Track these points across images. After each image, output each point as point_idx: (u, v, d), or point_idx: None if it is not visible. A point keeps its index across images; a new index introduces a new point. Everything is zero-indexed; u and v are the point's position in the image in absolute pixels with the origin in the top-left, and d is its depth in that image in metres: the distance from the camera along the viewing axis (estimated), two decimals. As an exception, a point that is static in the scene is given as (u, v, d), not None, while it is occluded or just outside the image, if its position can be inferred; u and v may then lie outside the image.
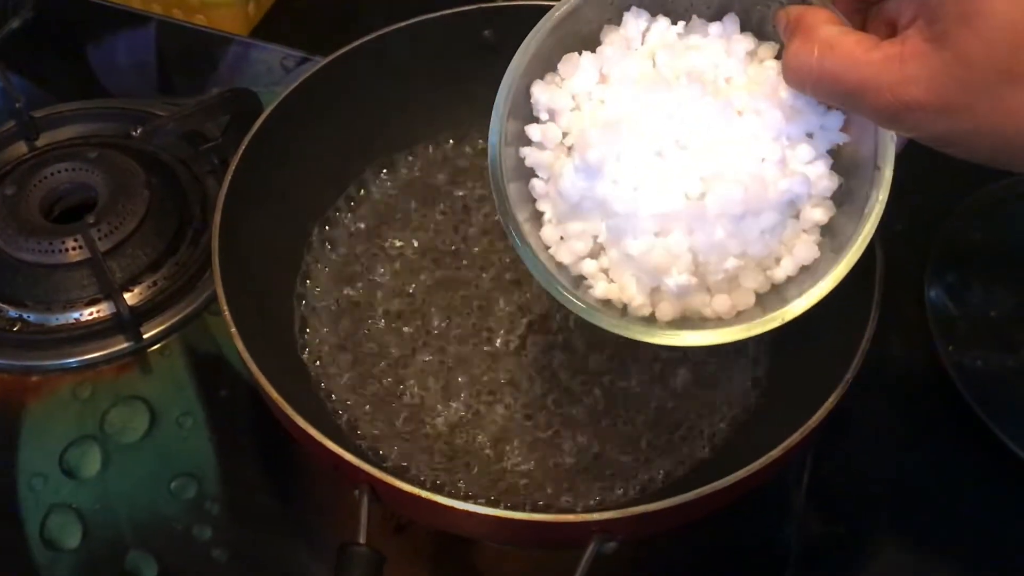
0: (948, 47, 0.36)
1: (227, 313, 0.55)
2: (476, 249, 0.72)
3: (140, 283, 0.75)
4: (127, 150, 0.81)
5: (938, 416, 0.69)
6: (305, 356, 0.66)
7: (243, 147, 0.63)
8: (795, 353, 0.63)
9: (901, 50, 0.38)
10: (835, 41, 0.40)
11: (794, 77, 0.42)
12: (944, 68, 0.37)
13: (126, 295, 0.73)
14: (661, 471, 0.62)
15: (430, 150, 0.77)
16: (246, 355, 0.53)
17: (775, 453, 0.50)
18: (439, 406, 0.65)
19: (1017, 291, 0.72)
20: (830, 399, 0.53)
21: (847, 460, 0.67)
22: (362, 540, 0.48)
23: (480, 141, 0.77)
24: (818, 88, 0.41)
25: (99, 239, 0.74)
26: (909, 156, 0.68)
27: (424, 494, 0.48)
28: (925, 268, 0.73)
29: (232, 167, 0.62)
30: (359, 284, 0.70)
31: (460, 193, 0.75)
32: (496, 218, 0.72)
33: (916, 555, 0.64)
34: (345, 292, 0.70)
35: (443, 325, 0.68)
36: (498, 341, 0.67)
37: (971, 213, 0.76)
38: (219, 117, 0.81)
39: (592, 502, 0.59)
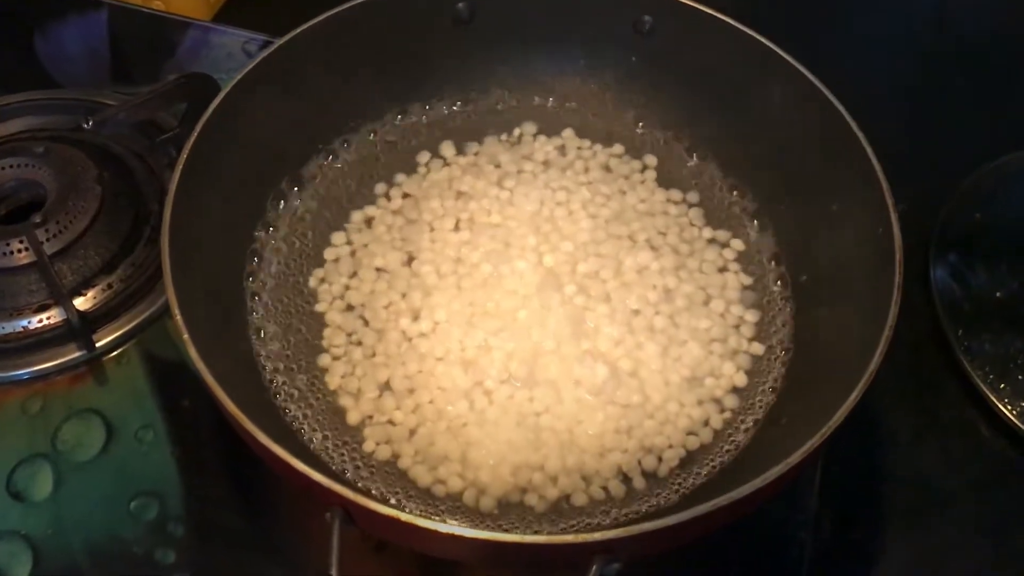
0: None
1: (179, 318, 0.50)
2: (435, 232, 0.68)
3: (93, 286, 0.70)
4: (77, 144, 0.76)
5: (951, 404, 0.66)
6: (267, 365, 0.61)
7: (195, 135, 0.59)
8: (811, 345, 0.60)
9: None
10: None
11: None
12: None
13: (78, 300, 0.69)
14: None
15: (396, 123, 0.74)
16: (201, 364, 0.48)
17: (794, 459, 0.46)
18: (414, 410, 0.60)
19: (1021, 271, 0.71)
20: (853, 394, 0.49)
21: (860, 456, 0.64)
22: (334, 572, 0.43)
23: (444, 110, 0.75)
24: None
25: (47, 240, 0.69)
26: (908, 139, 0.66)
27: (404, 517, 0.43)
28: (928, 251, 0.72)
29: (184, 156, 0.57)
30: (322, 276, 0.66)
31: (422, 164, 0.72)
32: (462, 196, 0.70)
33: (933, 553, 0.61)
34: (307, 287, 0.66)
35: (409, 325, 0.64)
36: (480, 335, 0.63)
37: (970, 194, 0.75)
38: (175, 105, 0.76)
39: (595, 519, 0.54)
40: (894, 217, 0.56)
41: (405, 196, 0.70)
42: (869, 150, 0.58)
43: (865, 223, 0.58)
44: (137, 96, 0.75)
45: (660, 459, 0.58)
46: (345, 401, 0.60)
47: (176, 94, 0.75)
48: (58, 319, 0.68)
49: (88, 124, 0.74)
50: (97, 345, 0.68)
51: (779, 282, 0.66)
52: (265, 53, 0.64)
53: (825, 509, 0.62)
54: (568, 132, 0.74)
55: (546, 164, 0.72)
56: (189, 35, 0.88)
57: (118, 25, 0.89)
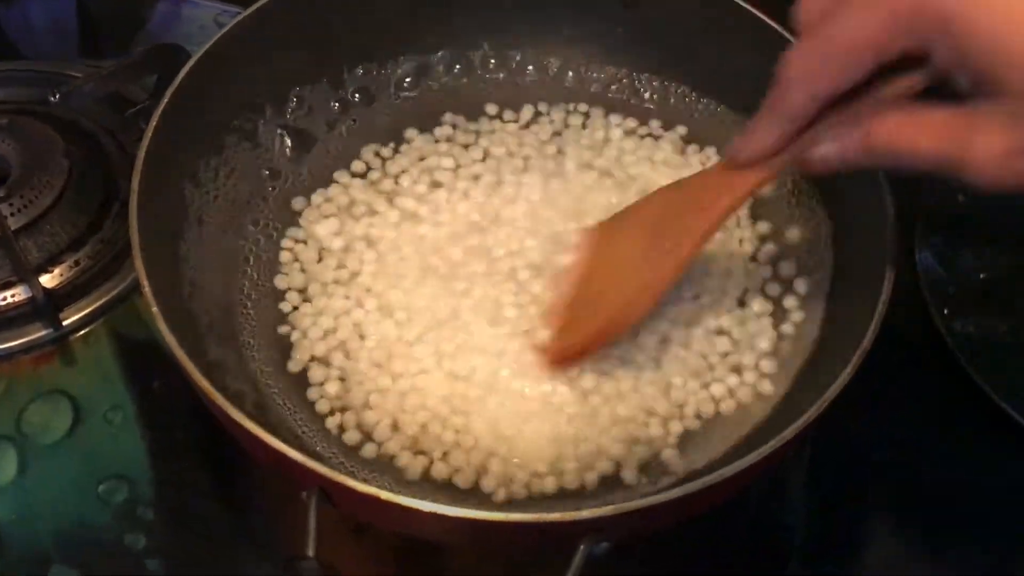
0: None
1: (147, 289, 0.48)
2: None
3: (60, 263, 0.68)
4: (44, 117, 0.74)
5: (937, 385, 0.66)
6: (242, 336, 0.59)
7: (163, 104, 0.56)
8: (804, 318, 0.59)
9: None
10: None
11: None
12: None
13: (44, 277, 0.67)
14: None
15: (369, 91, 0.70)
16: (169, 337, 0.46)
17: (788, 433, 0.44)
18: (398, 383, 0.57)
19: (1005, 253, 0.70)
20: (848, 368, 0.47)
21: (845, 440, 0.63)
22: (311, 553, 0.41)
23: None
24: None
25: (11, 215, 0.67)
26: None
27: (383, 495, 0.41)
28: (914, 232, 0.70)
29: (152, 124, 0.55)
30: (303, 248, 0.63)
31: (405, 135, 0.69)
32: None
33: (921, 537, 0.61)
34: (288, 256, 0.63)
35: (391, 292, 0.61)
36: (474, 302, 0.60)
37: None
38: (145, 77, 0.74)
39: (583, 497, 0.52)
40: (886, 188, 0.54)
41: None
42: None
43: (857, 199, 0.56)
44: (105, 68, 0.73)
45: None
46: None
47: (146, 65, 0.73)
48: (23, 297, 0.66)
49: (55, 97, 0.72)
50: (64, 324, 0.66)
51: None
52: (236, 20, 0.61)
53: (812, 494, 0.61)
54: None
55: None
56: (160, 7, 0.85)
57: (87, -5, 0.87)
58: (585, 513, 0.41)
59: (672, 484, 0.52)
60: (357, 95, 0.69)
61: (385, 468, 0.54)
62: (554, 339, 0.56)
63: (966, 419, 0.64)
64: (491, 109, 0.70)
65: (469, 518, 0.42)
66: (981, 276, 0.69)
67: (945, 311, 0.66)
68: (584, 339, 0.54)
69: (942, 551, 0.60)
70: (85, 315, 0.67)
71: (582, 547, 0.42)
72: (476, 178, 0.66)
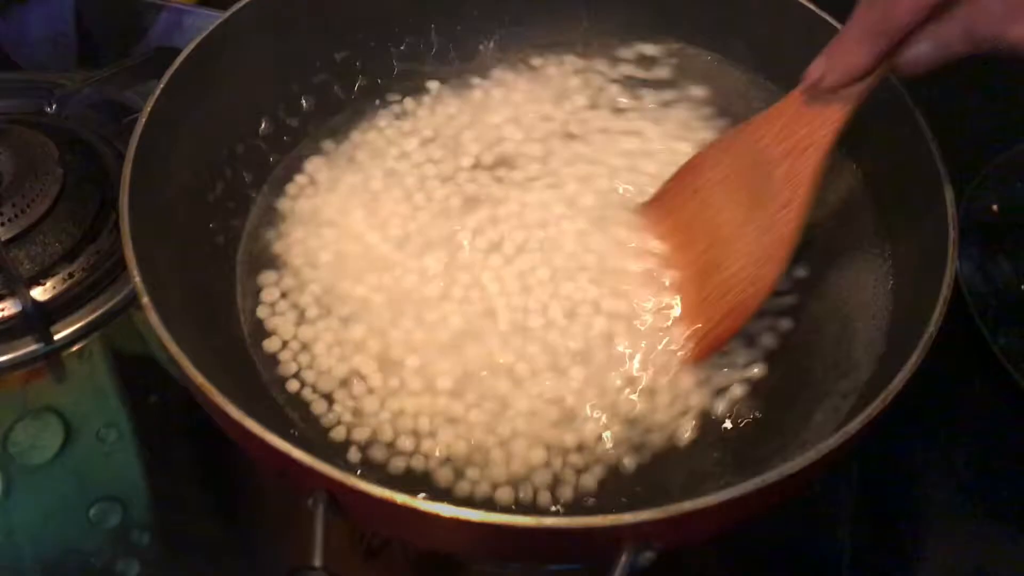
0: None
1: (138, 280, 0.44)
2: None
3: (52, 275, 0.65)
4: (38, 126, 0.72)
5: (984, 399, 0.64)
6: (242, 334, 0.56)
7: (152, 101, 0.54)
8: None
9: None
10: None
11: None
12: None
13: (36, 290, 0.64)
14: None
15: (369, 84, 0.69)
16: (161, 330, 0.42)
17: (851, 428, 0.40)
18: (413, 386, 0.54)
19: None
20: (911, 359, 0.44)
21: (896, 452, 0.61)
22: (317, 563, 0.37)
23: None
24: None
25: (2, 225, 0.64)
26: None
27: (399, 498, 0.37)
28: None
29: (141, 122, 0.53)
30: (302, 238, 0.61)
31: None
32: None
33: (973, 552, 0.58)
34: (291, 252, 0.60)
35: (406, 287, 0.58)
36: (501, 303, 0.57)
37: (986, 184, 0.73)
38: (142, 83, 0.72)
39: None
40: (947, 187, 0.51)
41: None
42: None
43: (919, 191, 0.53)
44: (100, 73, 0.71)
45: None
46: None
47: (144, 70, 0.71)
48: (13, 310, 0.63)
49: (51, 107, 0.71)
50: (56, 338, 0.64)
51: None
52: (227, 15, 0.59)
53: (862, 507, 0.58)
54: None
55: None
56: (162, 17, 0.84)
57: (85, 6, 0.85)
58: (628, 518, 0.37)
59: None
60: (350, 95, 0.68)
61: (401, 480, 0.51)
62: (694, 330, 0.51)
63: (1017, 432, 0.62)
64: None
65: (496, 524, 0.37)
66: (1023, 287, 0.67)
67: (990, 323, 0.64)
68: (719, 327, 0.50)
69: (990, 563, 0.57)
70: (78, 329, 0.64)
71: (624, 556, 0.37)
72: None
